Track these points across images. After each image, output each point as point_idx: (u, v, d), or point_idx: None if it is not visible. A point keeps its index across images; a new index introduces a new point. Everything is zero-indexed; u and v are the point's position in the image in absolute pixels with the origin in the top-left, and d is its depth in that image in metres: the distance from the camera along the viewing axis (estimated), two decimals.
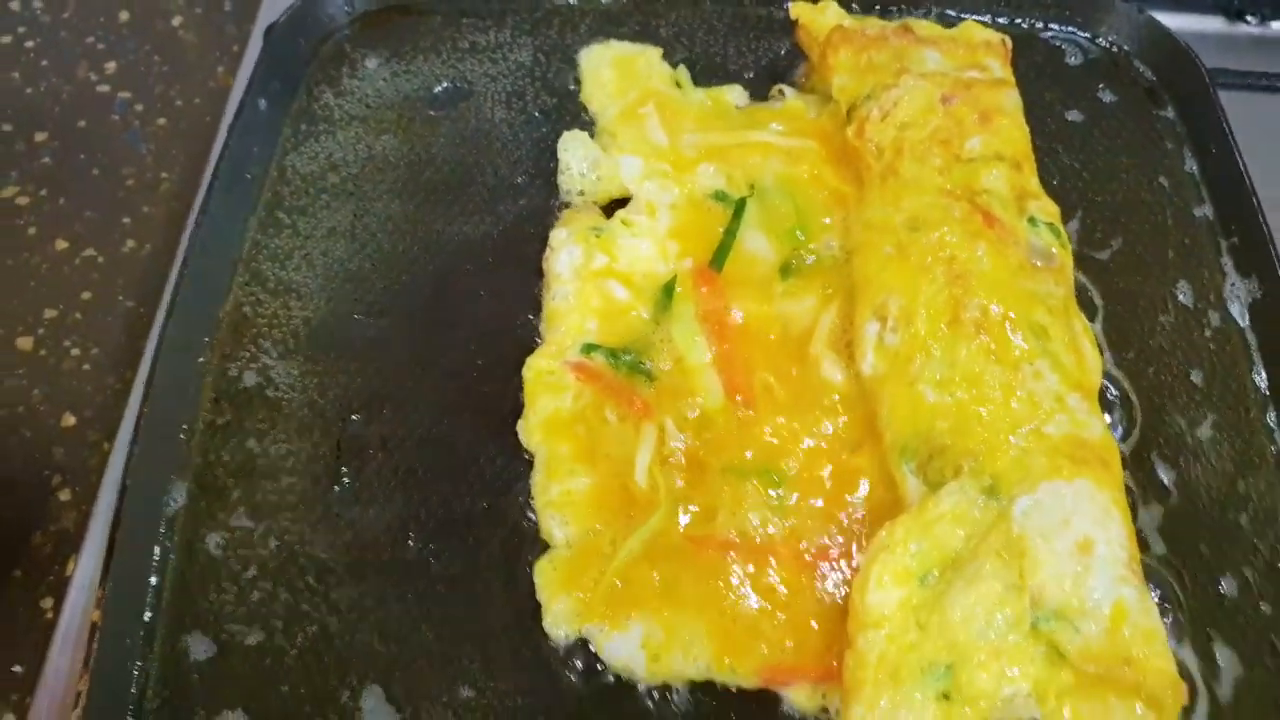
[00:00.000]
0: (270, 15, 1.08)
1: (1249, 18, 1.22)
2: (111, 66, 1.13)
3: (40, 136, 1.08)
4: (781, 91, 0.97)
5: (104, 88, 1.12)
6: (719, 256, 0.86)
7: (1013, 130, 0.89)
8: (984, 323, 0.77)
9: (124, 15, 1.17)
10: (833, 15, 0.95)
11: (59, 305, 0.98)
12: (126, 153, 1.08)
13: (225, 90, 1.11)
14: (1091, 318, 0.86)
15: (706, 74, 0.99)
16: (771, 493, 0.77)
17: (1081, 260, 0.88)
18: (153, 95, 1.12)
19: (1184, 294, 0.88)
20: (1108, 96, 1.01)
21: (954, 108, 0.88)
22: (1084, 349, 0.81)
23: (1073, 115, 1.00)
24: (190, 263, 0.83)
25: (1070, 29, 1.04)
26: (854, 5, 1.03)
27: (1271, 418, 0.82)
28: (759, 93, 0.99)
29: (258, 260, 0.87)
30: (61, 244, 1.01)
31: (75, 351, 0.95)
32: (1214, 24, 1.21)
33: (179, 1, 1.18)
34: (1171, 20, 1.17)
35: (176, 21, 1.17)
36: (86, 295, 0.99)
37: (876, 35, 0.93)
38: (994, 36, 0.94)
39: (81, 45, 1.15)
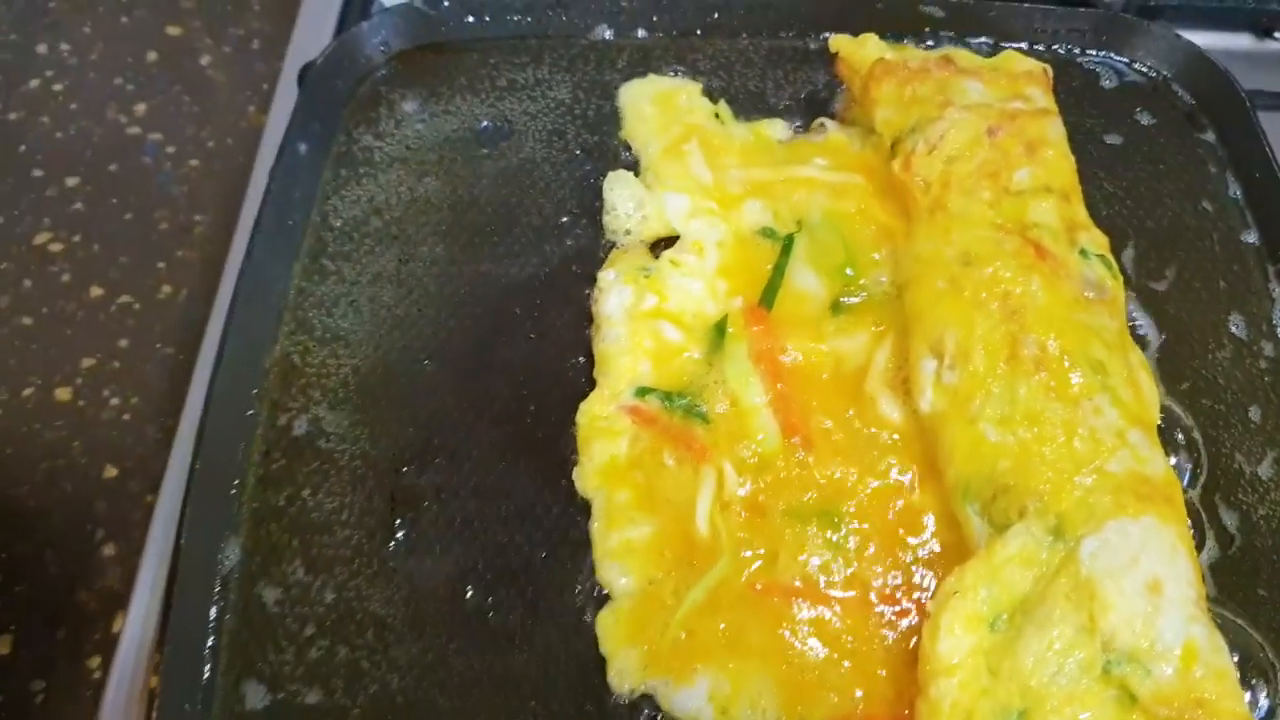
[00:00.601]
0: (300, 53, 1.08)
1: (1277, 34, 1.21)
2: (141, 108, 1.13)
3: (72, 181, 1.07)
4: (823, 125, 0.96)
5: (134, 130, 1.11)
6: (769, 294, 0.85)
7: (1059, 161, 0.88)
8: (1042, 359, 0.76)
9: (152, 55, 1.16)
10: (873, 48, 0.94)
11: (96, 354, 0.97)
12: (159, 196, 1.07)
13: (257, 130, 1.10)
14: (1144, 349, 0.85)
15: (746, 107, 0.99)
16: (833, 536, 0.76)
17: (1131, 290, 0.87)
18: (184, 136, 1.11)
19: (1236, 325, 0.87)
20: (1146, 119, 1.01)
21: (1000, 140, 0.88)
22: (1141, 382, 0.80)
23: (1112, 139, 0.99)
24: (236, 313, 0.82)
25: (1106, 53, 1.03)
26: (888, 34, 1.01)
27: None
28: (800, 125, 0.98)
29: (304, 308, 0.86)
30: (97, 290, 1.01)
31: (115, 401, 0.94)
32: (1242, 41, 1.21)
33: (207, 40, 1.17)
34: (1200, 38, 1.17)
35: (205, 61, 1.16)
36: (124, 343, 0.98)
37: (919, 68, 0.92)
38: (1035, 66, 0.94)
39: (110, 87, 1.14)
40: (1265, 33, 1.21)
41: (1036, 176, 0.87)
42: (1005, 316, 0.79)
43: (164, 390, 0.94)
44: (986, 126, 0.89)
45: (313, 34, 1.15)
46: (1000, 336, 0.78)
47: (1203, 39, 1.17)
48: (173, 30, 1.17)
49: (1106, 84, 1.03)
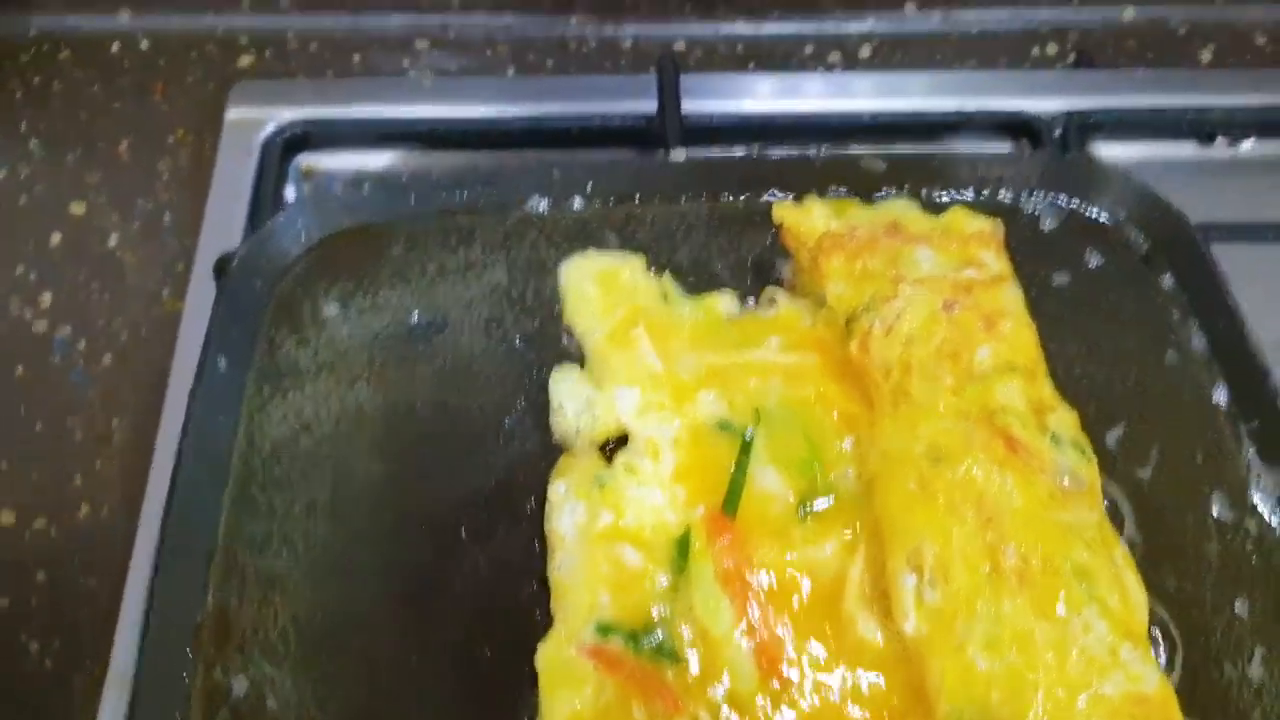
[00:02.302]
0: (214, 227, 1.04)
1: (1220, 140, 1.20)
2: (47, 299, 1.06)
3: None
4: (774, 298, 0.92)
5: (41, 325, 1.05)
6: (731, 501, 0.81)
7: (1020, 333, 0.85)
8: (1025, 571, 0.73)
9: (55, 238, 1.10)
10: (818, 217, 0.91)
11: (9, 593, 0.90)
12: (72, 400, 1.00)
13: (173, 317, 1.04)
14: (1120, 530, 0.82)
15: (692, 276, 0.95)
16: None
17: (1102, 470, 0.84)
18: (95, 329, 1.04)
19: (1219, 505, 0.83)
20: (1095, 261, 0.98)
21: (957, 316, 0.85)
22: (1127, 584, 0.77)
23: (1060, 279, 0.96)
24: (164, 565, 0.76)
25: (1054, 195, 1.00)
26: (829, 190, 0.98)
27: None
28: (748, 293, 0.94)
29: (235, 550, 0.80)
30: (7, 516, 0.94)
31: (33, 647, 0.87)
32: (1186, 150, 1.20)
33: (114, 217, 1.11)
34: (1142, 149, 1.16)
35: (114, 241, 1.10)
36: (41, 576, 0.91)
37: (867, 239, 0.89)
38: (985, 225, 0.91)
39: (11, 277, 1.07)
40: (1208, 139, 1.20)
41: (998, 353, 0.84)
42: (982, 524, 0.75)
43: (89, 631, 0.87)
44: (942, 301, 0.85)
45: (226, 202, 1.10)
46: (979, 547, 0.75)
47: (1145, 149, 1.16)
48: (76, 208, 1.10)
49: (1049, 225, 0.99)
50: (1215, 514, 0.83)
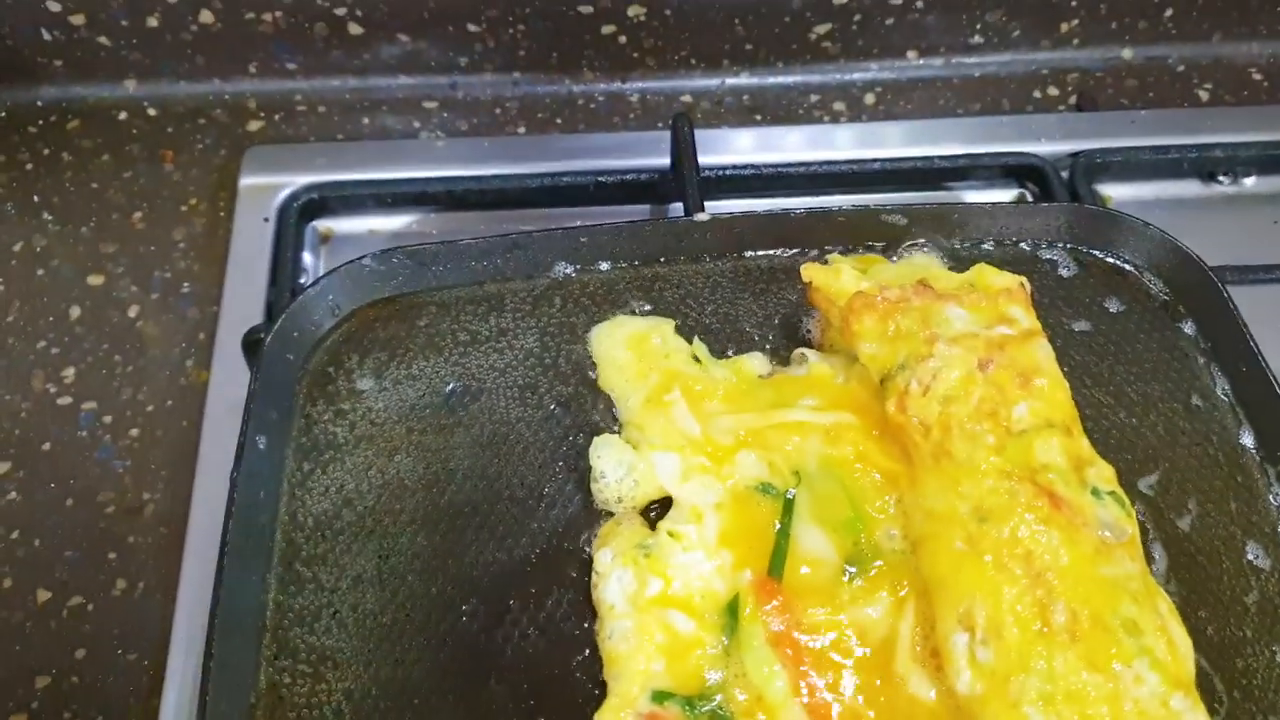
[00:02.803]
0: (235, 294, 1.04)
1: (1221, 179, 1.22)
2: (70, 373, 1.06)
3: (2, 468, 0.99)
4: (804, 355, 0.92)
5: (65, 399, 1.04)
6: (777, 563, 0.81)
7: (1055, 391, 0.86)
8: (1075, 627, 0.74)
9: (75, 311, 1.10)
10: (848, 278, 0.91)
11: (51, 670, 0.89)
12: (101, 474, 1.00)
13: (199, 387, 1.04)
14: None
15: (720, 337, 0.96)
16: None
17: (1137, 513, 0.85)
18: (120, 402, 1.04)
19: (1252, 549, 0.84)
20: (1115, 306, 0.99)
21: (993, 374, 0.85)
22: (1174, 634, 0.78)
23: (1080, 326, 0.98)
24: (215, 648, 0.76)
25: (1073, 245, 1.01)
26: (852, 247, 0.99)
27: None
28: (778, 350, 0.95)
29: (284, 627, 0.80)
30: (43, 594, 0.93)
31: None
32: (1191, 188, 1.22)
33: (133, 288, 1.11)
34: (1148, 189, 1.18)
35: (134, 312, 1.09)
36: (81, 653, 0.90)
37: (898, 298, 0.90)
38: (1011, 281, 0.92)
39: (34, 352, 1.07)
40: (1210, 177, 1.23)
41: (1036, 411, 0.85)
42: (1031, 581, 0.76)
43: (132, 705, 0.87)
44: (977, 360, 0.86)
45: (245, 269, 1.11)
46: (1029, 605, 0.76)
47: (1149, 189, 1.18)
48: (94, 280, 1.10)
49: (1069, 273, 1.01)
50: (1250, 558, 0.84)
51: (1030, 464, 0.81)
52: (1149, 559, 0.85)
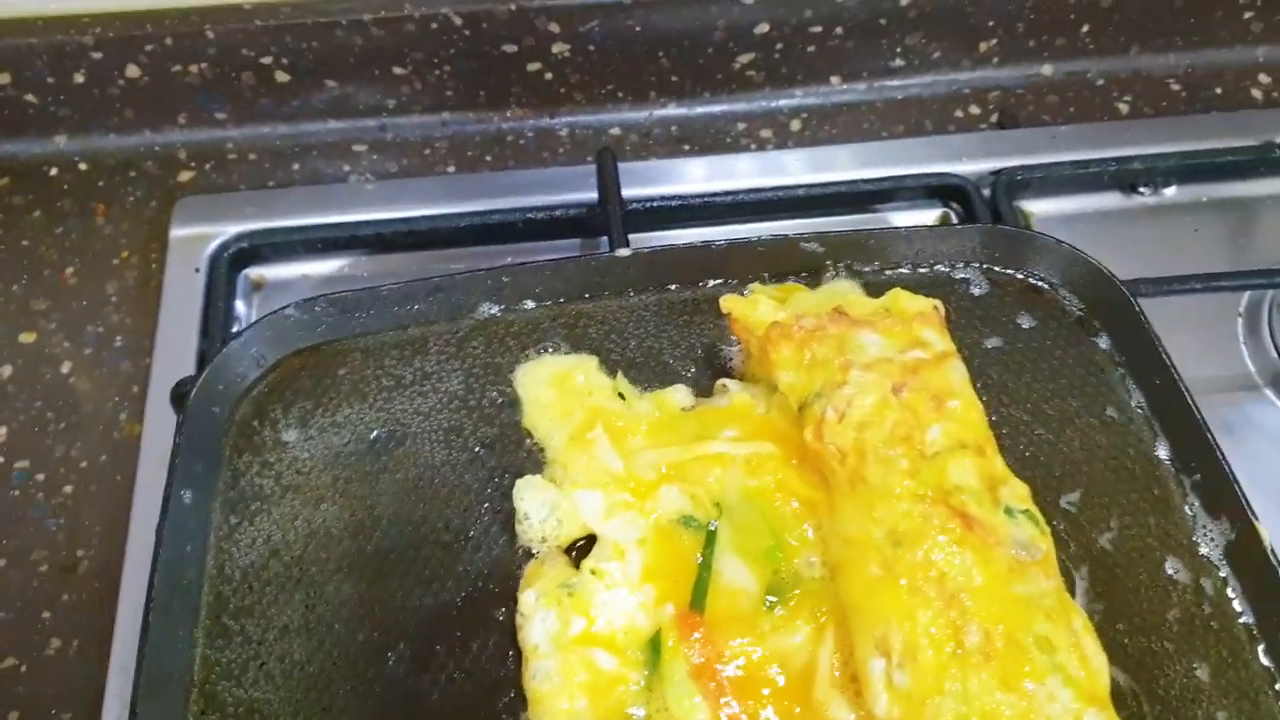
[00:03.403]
0: (167, 347, 1.04)
1: (1142, 190, 1.24)
2: (1, 433, 1.06)
3: None
4: (726, 386, 0.94)
5: None
6: (699, 596, 0.82)
7: (968, 412, 0.87)
8: (988, 648, 0.75)
9: (7, 370, 1.10)
10: (765, 309, 0.93)
11: None
12: (35, 533, 1.00)
13: (132, 441, 1.04)
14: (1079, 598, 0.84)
15: (645, 371, 0.97)
16: None
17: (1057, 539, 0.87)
18: (53, 459, 1.04)
19: (1169, 561, 0.86)
20: (1029, 324, 1.00)
21: (906, 398, 0.87)
22: (1088, 650, 0.79)
23: (992, 342, 0.99)
24: (139, 707, 0.76)
25: (989, 266, 1.03)
26: (772, 275, 1.01)
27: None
28: (701, 381, 0.96)
29: (211, 681, 0.81)
30: None
31: None
32: (1112, 200, 1.24)
33: (65, 344, 1.11)
34: (1071, 203, 1.20)
35: (66, 368, 1.10)
36: (14, 716, 0.90)
37: (814, 327, 0.91)
38: (925, 305, 0.94)
39: None
40: (1131, 189, 1.25)
41: (949, 432, 0.86)
42: (945, 603, 0.77)
43: None
44: (891, 385, 0.88)
45: (177, 321, 1.11)
46: (944, 627, 0.77)
47: (1071, 203, 1.20)
48: (26, 338, 1.11)
49: (983, 292, 1.03)
50: (1168, 571, 0.86)
51: (943, 486, 0.83)
52: (1071, 576, 0.86)
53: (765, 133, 1.32)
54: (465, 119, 1.30)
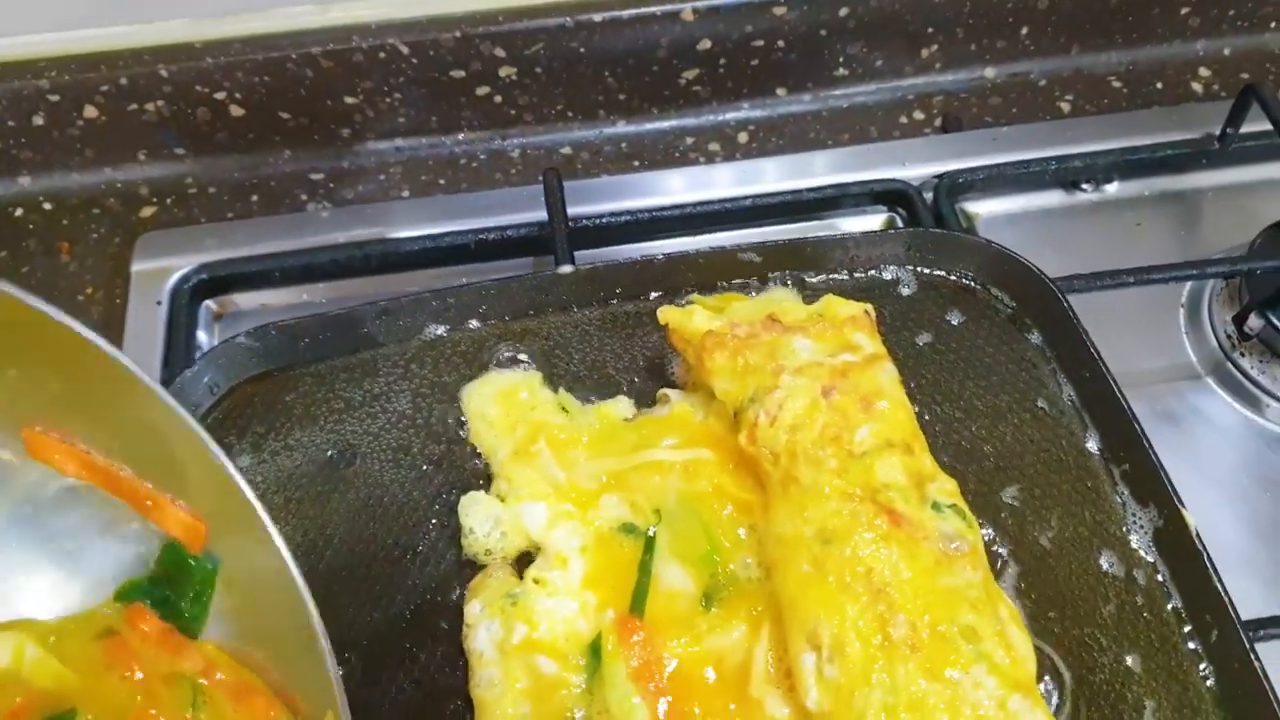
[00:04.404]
0: None
1: (1084, 187, 1.27)
2: None
3: None
4: (667, 395, 0.96)
5: None
6: (638, 601, 0.85)
7: (896, 412, 0.90)
8: (914, 639, 0.78)
9: None
10: (700, 319, 0.95)
11: None
12: None
13: None
14: (1005, 583, 0.87)
15: (588, 384, 1.00)
16: None
17: (988, 523, 0.89)
18: None
19: (1099, 548, 0.89)
20: (959, 320, 1.03)
21: (836, 400, 0.89)
22: (1013, 638, 0.81)
23: (924, 339, 1.03)
24: None
25: (921, 268, 1.06)
26: (712, 286, 1.03)
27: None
28: (644, 392, 0.99)
29: None
30: None
31: None
32: (1054, 197, 1.26)
33: None
34: (1013, 202, 1.23)
35: None
36: None
37: (747, 334, 0.94)
38: (856, 309, 0.96)
39: None
40: (1073, 186, 1.27)
41: (877, 432, 0.89)
42: (873, 597, 0.80)
43: None
44: (821, 388, 0.90)
45: (140, 355, 1.14)
46: (871, 620, 0.79)
47: (1015, 203, 1.23)
48: None
49: (915, 293, 1.05)
50: (1099, 559, 0.89)
51: (872, 484, 0.85)
52: (1004, 568, 0.89)
53: (713, 146, 1.34)
54: (418, 144, 1.33)
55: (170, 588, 0.73)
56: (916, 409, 0.90)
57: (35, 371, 0.66)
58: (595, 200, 1.25)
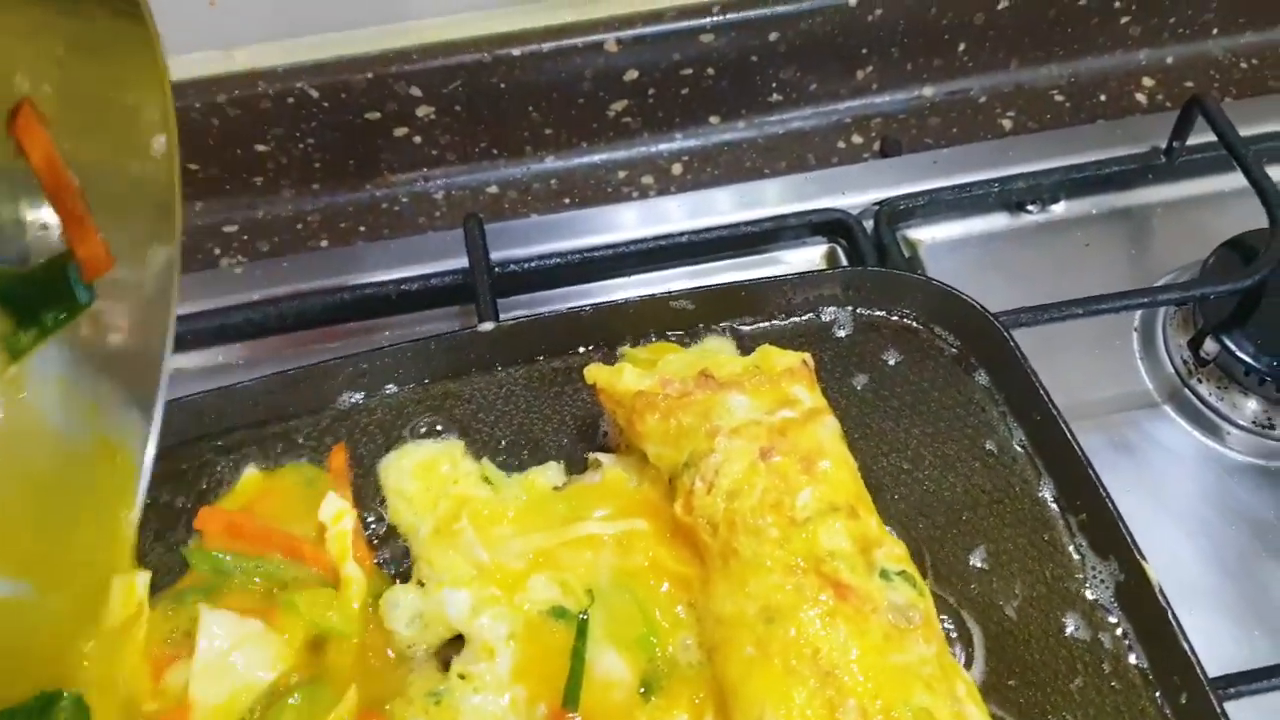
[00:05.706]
0: None
1: (1030, 207, 1.23)
2: None
3: None
4: (598, 461, 0.91)
5: None
6: (570, 694, 0.79)
7: (839, 472, 0.85)
8: None
9: None
10: (630, 378, 0.90)
11: None
12: None
13: None
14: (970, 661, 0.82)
15: (515, 449, 0.94)
16: None
17: (947, 590, 0.84)
18: None
19: (1057, 605, 0.84)
20: (897, 360, 0.98)
21: (776, 462, 0.84)
22: (970, 717, 0.76)
23: (867, 387, 0.98)
24: None
25: (861, 309, 1.01)
26: (644, 336, 0.98)
27: None
28: (575, 457, 0.93)
29: None
30: None
31: None
32: (1000, 220, 1.22)
33: None
34: (957, 227, 1.18)
35: None
36: None
37: (680, 393, 0.88)
38: (794, 360, 0.91)
39: None
40: (1018, 207, 1.23)
41: (820, 495, 0.84)
42: (821, 681, 0.75)
43: None
44: (759, 449, 0.85)
45: None
46: (820, 707, 0.74)
47: (959, 227, 1.18)
48: None
49: (856, 335, 1.00)
50: (1064, 622, 0.84)
51: (816, 553, 0.80)
52: (970, 642, 0.84)
53: (647, 179, 1.29)
54: (336, 190, 1.27)
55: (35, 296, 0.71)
56: (862, 461, 0.84)
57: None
58: (524, 243, 1.19)
